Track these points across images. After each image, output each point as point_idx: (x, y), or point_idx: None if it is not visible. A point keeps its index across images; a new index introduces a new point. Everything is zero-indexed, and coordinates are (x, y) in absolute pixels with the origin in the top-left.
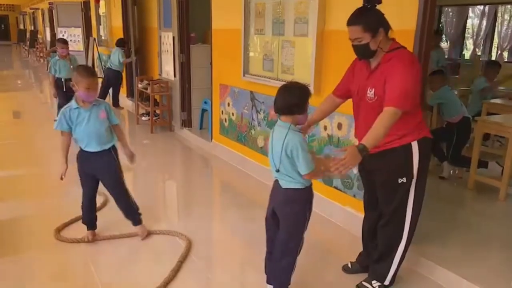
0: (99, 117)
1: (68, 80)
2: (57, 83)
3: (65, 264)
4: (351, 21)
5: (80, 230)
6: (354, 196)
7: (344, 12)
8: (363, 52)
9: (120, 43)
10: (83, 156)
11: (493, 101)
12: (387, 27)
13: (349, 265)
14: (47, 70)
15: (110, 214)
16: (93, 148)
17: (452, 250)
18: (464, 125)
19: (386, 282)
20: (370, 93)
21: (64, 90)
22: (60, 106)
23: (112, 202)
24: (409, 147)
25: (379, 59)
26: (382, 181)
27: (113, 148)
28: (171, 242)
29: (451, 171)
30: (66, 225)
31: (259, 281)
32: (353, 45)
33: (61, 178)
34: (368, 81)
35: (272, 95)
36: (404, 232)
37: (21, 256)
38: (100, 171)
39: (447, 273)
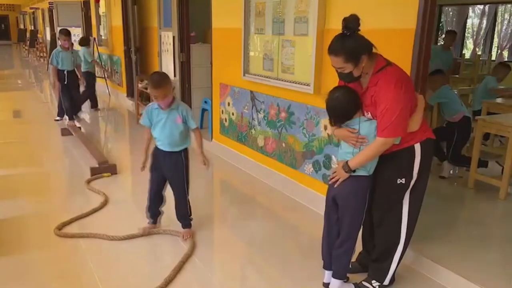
0: (175, 121)
1: (70, 72)
2: (59, 75)
3: (65, 263)
4: (333, 51)
5: (79, 228)
6: None
7: (344, 11)
8: (348, 79)
9: (84, 42)
10: (156, 152)
11: (493, 100)
12: (369, 49)
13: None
14: (47, 70)
15: (113, 214)
16: (165, 148)
17: (452, 249)
18: (464, 125)
19: (386, 282)
20: (368, 115)
21: (66, 82)
22: (61, 105)
23: (113, 203)
24: (412, 149)
25: (367, 81)
26: (381, 180)
27: (185, 150)
28: (173, 242)
29: (451, 171)
30: (65, 224)
31: (260, 281)
32: (336, 71)
33: (141, 169)
34: (363, 100)
35: (272, 95)
36: (402, 232)
37: (21, 255)
38: (168, 170)
39: (447, 272)
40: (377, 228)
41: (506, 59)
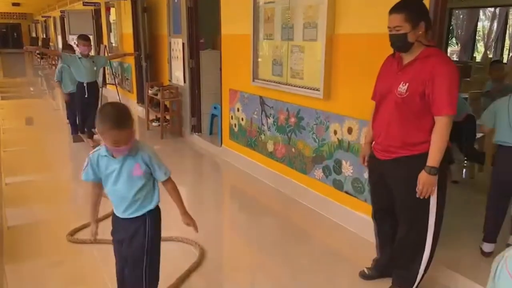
0: (131, 174)
1: (91, 84)
2: (79, 88)
3: (77, 269)
4: (395, 9)
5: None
6: (365, 200)
7: (353, 15)
8: (399, 43)
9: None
10: (113, 218)
11: None
12: (428, 23)
13: (366, 271)
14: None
15: None
16: (120, 213)
17: (469, 256)
18: (469, 122)
19: None
20: (403, 88)
21: (87, 96)
22: (79, 120)
23: None
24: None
25: (417, 54)
26: (403, 191)
27: (150, 215)
28: (185, 249)
29: (463, 174)
30: (77, 230)
31: None
32: (390, 35)
33: (93, 240)
34: (401, 76)
35: (281, 100)
36: (428, 239)
37: (34, 261)
38: (125, 244)
39: (463, 279)
40: (403, 239)
41: None
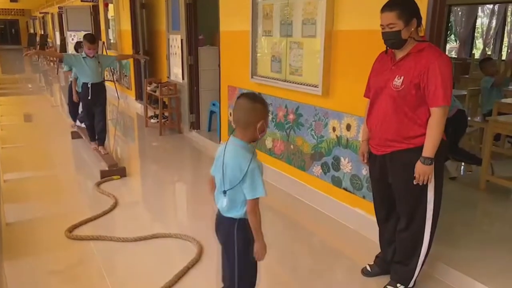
0: None
1: (96, 84)
2: (83, 89)
3: (76, 265)
4: (387, 7)
5: (89, 231)
6: (364, 197)
7: (352, 12)
8: (393, 40)
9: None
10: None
11: (504, 100)
12: (419, 20)
13: (368, 268)
14: (57, 73)
15: (123, 216)
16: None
17: (466, 252)
18: (459, 118)
19: (411, 285)
20: (398, 81)
21: (90, 98)
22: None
23: (123, 205)
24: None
25: (409, 49)
26: (402, 184)
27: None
28: (184, 246)
29: (462, 170)
30: (75, 226)
31: (269, 285)
32: (383, 33)
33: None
34: (395, 70)
35: (280, 97)
36: (426, 232)
37: (32, 257)
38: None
39: (460, 275)
40: (402, 231)
41: None
